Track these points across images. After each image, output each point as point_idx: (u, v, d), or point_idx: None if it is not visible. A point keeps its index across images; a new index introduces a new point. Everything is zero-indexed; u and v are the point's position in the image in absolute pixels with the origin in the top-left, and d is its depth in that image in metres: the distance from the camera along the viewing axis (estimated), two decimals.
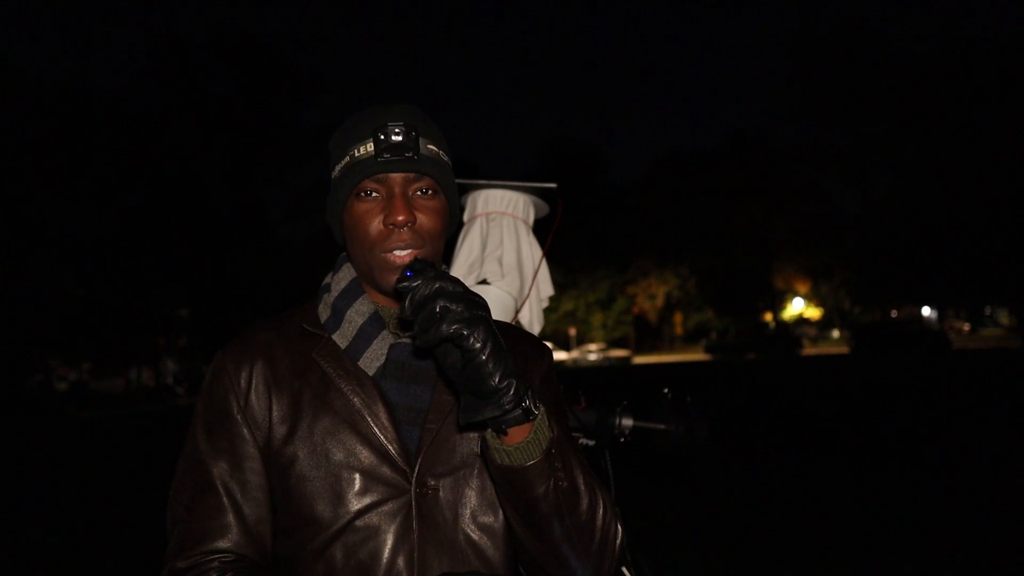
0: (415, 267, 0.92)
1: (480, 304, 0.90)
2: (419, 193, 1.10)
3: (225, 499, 1.07)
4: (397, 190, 1.09)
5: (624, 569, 1.99)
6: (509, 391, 0.89)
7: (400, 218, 1.06)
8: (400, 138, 1.07)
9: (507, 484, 0.98)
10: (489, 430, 0.96)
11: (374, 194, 1.09)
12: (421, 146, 1.10)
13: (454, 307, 0.88)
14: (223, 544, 1.05)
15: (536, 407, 0.94)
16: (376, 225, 1.08)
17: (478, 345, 0.87)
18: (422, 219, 1.09)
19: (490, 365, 0.88)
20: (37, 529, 6.70)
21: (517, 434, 0.94)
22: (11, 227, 28.64)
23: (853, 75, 42.97)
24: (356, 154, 1.09)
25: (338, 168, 1.13)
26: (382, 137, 1.07)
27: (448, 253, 2.27)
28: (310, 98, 39.96)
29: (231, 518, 1.06)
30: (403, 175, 1.09)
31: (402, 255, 1.08)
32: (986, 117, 35.10)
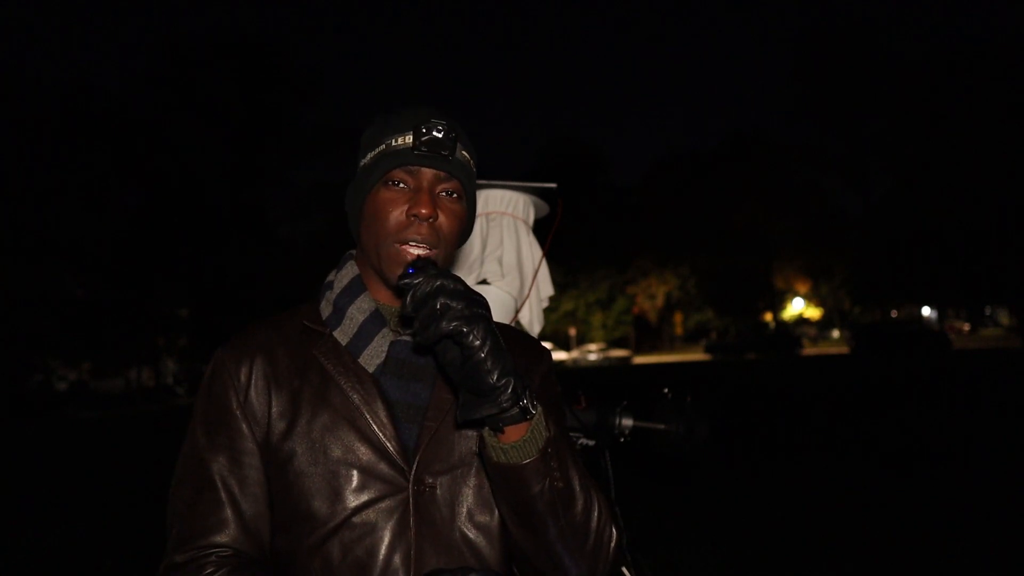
0: (417, 264, 0.93)
1: (480, 302, 0.91)
2: (445, 194, 1.12)
3: (223, 495, 1.07)
4: (425, 184, 1.10)
5: (624, 569, 1.99)
6: (507, 389, 0.90)
7: (424, 211, 1.07)
8: (440, 135, 1.09)
9: (503, 482, 0.99)
10: (486, 428, 0.97)
11: (402, 185, 1.10)
12: (457, 150, 1.12)
13: (454, 304, 0.88)
14: (221, 539, 1.06)
15: (534, 406, 0.94)
16: (397, 215, 1.09)
17: (477, 343, 0.88)
18: (443, 219, 1.11)
19: (489, 363, 0.89)
20: (37, 529, 6.70)
21: (514, 433, 0.95)
22: (11, 227, 28.65)
23: (853, 75, 42.98)
24: (393, 143, 1.11)
25: (370, 156, 1.14)
26: (423, 131, 1.09)
27: None
28: (310, 98, 40.03)
29: (229, 513, 1.07)
30: (434, 172, 1.11)
31: (415, 251, 1.08)
32: (986, 117, 35.10)
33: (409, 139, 1.10)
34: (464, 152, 1.14)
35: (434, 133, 1.08)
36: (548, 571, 1.05)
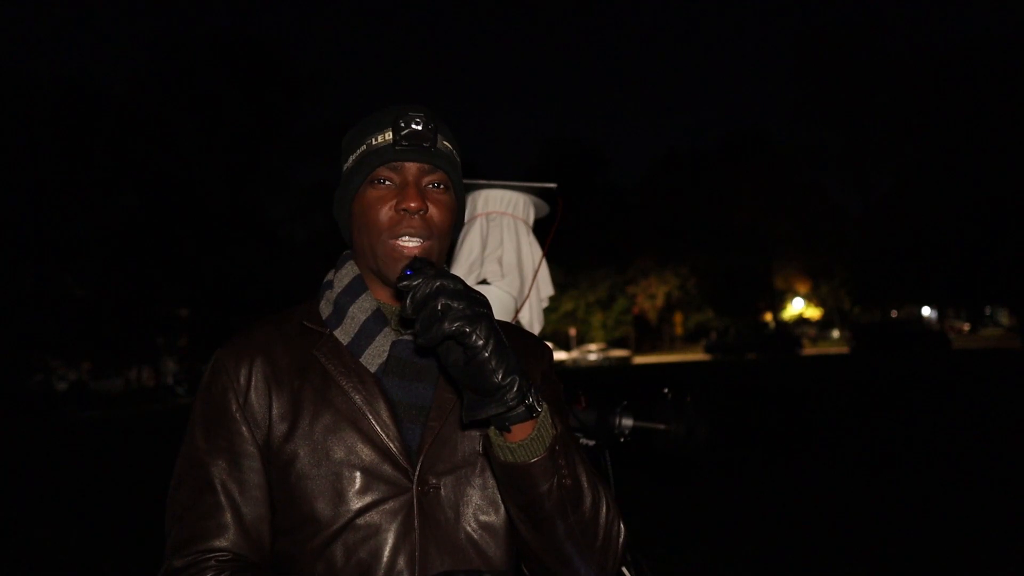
0: (415, 266, 0.92)
1: (481, 301, 0.90)
2: (432, 186, 1.11)
3: (223, 498, 1.06)
4: (411, 178, 1.10)
5: (624, 569, 1.99)
6: (512, 388, 0.89)
7: (413, 204, 1.07)
8: (420, 128, 1.08)
9: (510, 481, 0.98)
10: (492, 427, 0.96)
11: (387, 182, 1.10)
12: (438, 141, 1.11)
13: (455, 305, 0.87)
14: (220, 543, 1.04)
15: (539, 404, 0.94)
16: (387, 211, 1.09)
17: (480, 342, 0.87)
18: (433, 211, 1.10)
19: (493, 362, 0.88)
20: (37, 529, 6.70)
21: (520, 431, 0.94)
22: (11, 227, 28.63)
23: (853, 75, 42.98)
24: (373, 142, 1.10)
25: (352, 158, 1.13)
26: (402, 124, 1.08)
27: (448, 253, 2.26)
28: (310, 98, 39.91)
29: (228, 517, 1.06)
30: (418, 165, 1.10)
31: (410, 245, 1.08)
32: (985, 117, 35.10)
33: (389, 135, 1.09)
34: (446, 142, 1.13)
35: (413, 125, 1.08)
36: (558, 569, 1.04)
